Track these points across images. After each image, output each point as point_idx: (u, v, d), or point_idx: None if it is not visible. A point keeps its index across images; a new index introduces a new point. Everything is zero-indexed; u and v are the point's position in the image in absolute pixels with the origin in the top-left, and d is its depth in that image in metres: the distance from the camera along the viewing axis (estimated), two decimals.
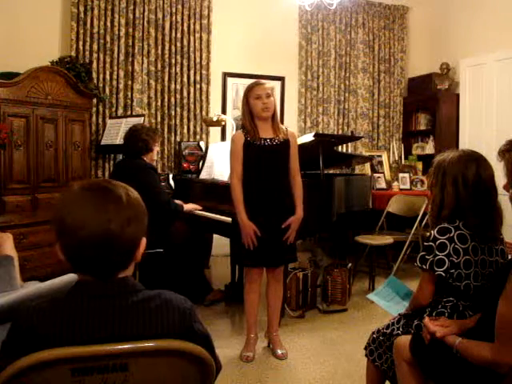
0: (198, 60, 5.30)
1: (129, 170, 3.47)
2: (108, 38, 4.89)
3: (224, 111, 5.49)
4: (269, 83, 2.90)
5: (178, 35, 5.21)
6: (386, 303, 2.23)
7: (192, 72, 5.28)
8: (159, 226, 3.41)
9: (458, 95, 5.86)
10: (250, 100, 2.79)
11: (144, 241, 1.15)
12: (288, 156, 2.84)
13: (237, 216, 2.82)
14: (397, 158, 6.03)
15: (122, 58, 4.96)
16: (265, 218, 2.80)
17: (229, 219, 3.21)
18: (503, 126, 5.20)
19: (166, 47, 5.17)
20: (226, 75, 5.56)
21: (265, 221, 2.79)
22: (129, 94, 5.02)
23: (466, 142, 5.64)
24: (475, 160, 1.85)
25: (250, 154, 2.79)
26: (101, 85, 4.86)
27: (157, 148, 3.75)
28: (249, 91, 2.81)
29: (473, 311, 1.83)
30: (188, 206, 3.69)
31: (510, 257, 1.90)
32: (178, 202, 3.70)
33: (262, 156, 2.79)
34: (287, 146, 2.83)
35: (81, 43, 4.78)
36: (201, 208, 3.71)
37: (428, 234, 1.90)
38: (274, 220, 2.81)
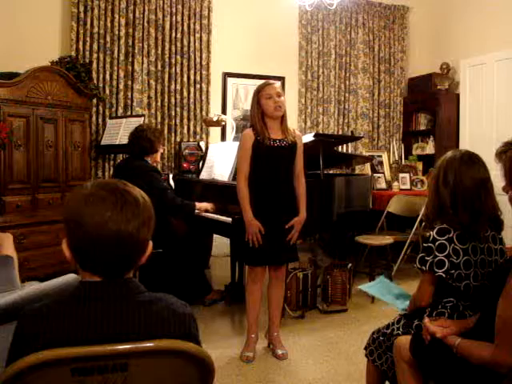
0: (198, 60, 5.30)
1: (131, 172, 3.45)
2: (108, 38, 4.89)
3: (224, 111, 5.49)
4: (277, 83, 2.93)
5: (178, 35, 5.21)
6: (382, 296, 2.24)
7: (192, 72, 5.29)
8: (159, 226, 3.40)
9: (458, 95, 5.86)
10: (261, 100, 2.82)
11: (151, 244, 1.16)
12: (294, 158, 2.88)
13: (242, 214, 2.83)
14: (397, 158, 6.02)
15: (121, 58, 4.96)
16: (269, 218, 2.82)
17: (229, 219, 3.21)
18: (503, 126, 5.20)
19: (166, 47, 5.17)
20: (226, 75, 5.56)
21: (269, 220, 2.81)
22: (129, 94, 5.02)
23: (466, 142, 5.65)
24: (461, 160, 1.86)
25: (259, 153, 2.82)
26: (101, 85, 4.86)
27: (161, 150, 3.74)
28: (259, 91, 2.84)
29: (473, 311, 1.83)
30: (201, 205, 3.57)
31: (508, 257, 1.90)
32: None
33: (269, 156, 2.82)
34: (294, 148, 2.87)
35: (81, 43, 4.78)
36: (215, 208, 3.57)
37: (427, 234, 1.90)
38: (278, 220, 2.83)
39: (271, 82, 2.92)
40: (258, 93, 2.85)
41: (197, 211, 3.57)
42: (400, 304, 2.12)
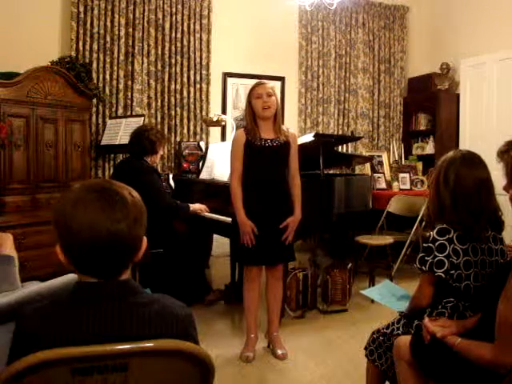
0: (198, 60, 5.30)
1: (130, 172, 3.46)
2: (108, 38, 4.89)
3: (224, 111, 5.49)
4: (270, 83, 2.91)
5: (178, 35, 5.21)
6: (382, 299, 2.24)
7: (192, 72, 5.29)
8: (159, 227, 3.41)
9: (458, 95, 5.86)
10: (251, 100, 2.82)
11: (145, 240, 1.16)
12: (288, 157, 2.87)
13: (235, 214, 2.83)
14: (397, 158, 6.02)
15: (121, 58, 4.96)
16: (263, 218, 2.81)
17: (229, 219, 3.21)
18: (503, 126, 5.19)
19: (166, 47, 5.17)
20: (225, 75, 5.56)
21: (264, 220, 2.81)
22: (129, 94, 5.02)
23: (466, 142, 5.64)
24: (462, 160, 1.85)
25: (251, 153, 2.81)
26: (101, 85, 4.86)
27: (161, 152, 3.74)
28: (251, 91, 2.85)
29: (473, 311, 1.83)
30: (195, 207, 3.62)
31: (509, 258, 1.90)
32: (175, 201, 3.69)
33: (261, 156, 2.81)
34: (287, 147, 2.86)
35: (81, 43, 4.78)
36: (208, 209, 3.61)
37: (428, 234, 1.90)
38: (273, 219, 2.83)
39: (263, 81, 2.90)
40: (249, 93, 2.85)
41: (192, 210, 3.58)
42: (399, 305, 2.12)
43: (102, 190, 1.09)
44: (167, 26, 5.15)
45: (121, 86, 4.97)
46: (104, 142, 4.73)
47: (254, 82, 2.96)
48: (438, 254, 1.81)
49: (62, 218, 1.07)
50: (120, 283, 1.11)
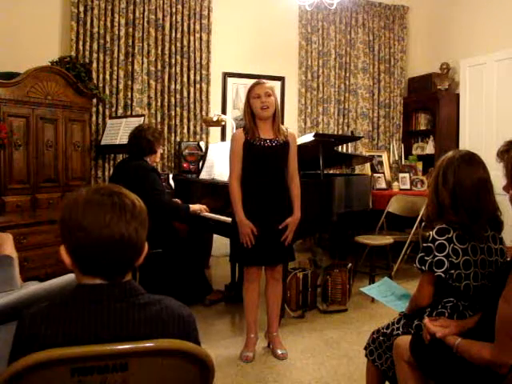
0: (198, 60, 5.30)
1: (130, 172, 3.46)
2: (108, 38, 4.89)
3: (224, 111, 5.49)
4: (269, 83, 2.90)
5: (178, 35, 5.21)
6: (382, 298, 2.24)
7: (192, 72, 5.29)
8: (159, 226, 3.41)
9: (458, 95, 5.86)
10: (250, 100, 2.81)
11: (146, 244, 1.17)
12: (287, 157, 2.86)
13: (234, 214, 2.83)
14: (397, 158, 6.03)
15: (121, 57, 4.96)
16: (263, 218, 2.80)
17: (229, 219, 3.21)
18: (503, 126, 5.20)
19: (166, 47, 5.17)
20: (226, 75, 5.57)
21: (263, 220, 2.80)
22: (129, 94, 5.03)
23: (466, 141, 5.65)
24: (461, 160, 1.85)
25: (250, 153, 2.81)
26: (101, 85, 4.86)
27: (160, 151, 3.74)
28: (249, 91, 2.83)
29: (473, 311, 1.83)
30: (195, 207, 3.62)
31: (509, 258, 1.90)
32: (176, 200, 3.69)
33: (261, 156, 2.81)
34: (286, 147, 2.85)
35: (81, 43, 4.79)
36: (208, 210, 3.61)
37: (427, 234, 1.90)
38: (272, 220, 2.82)
39: (262, 81, 2.88)
40: (248, 92, 2.84)
41: (192, 211, 3.58)
42: (400, 306, 2.11)
43: (112, 193, 1.12)
44: (167, 25, 5.15)
45: (121, 86, 4.98)
46: (104, 142, 4.73)
47: (253, 81, 2.95)
48: (437, 254, 1.81)
49: (72, 219, 1.08)
50: (122, 285, 1.12)
